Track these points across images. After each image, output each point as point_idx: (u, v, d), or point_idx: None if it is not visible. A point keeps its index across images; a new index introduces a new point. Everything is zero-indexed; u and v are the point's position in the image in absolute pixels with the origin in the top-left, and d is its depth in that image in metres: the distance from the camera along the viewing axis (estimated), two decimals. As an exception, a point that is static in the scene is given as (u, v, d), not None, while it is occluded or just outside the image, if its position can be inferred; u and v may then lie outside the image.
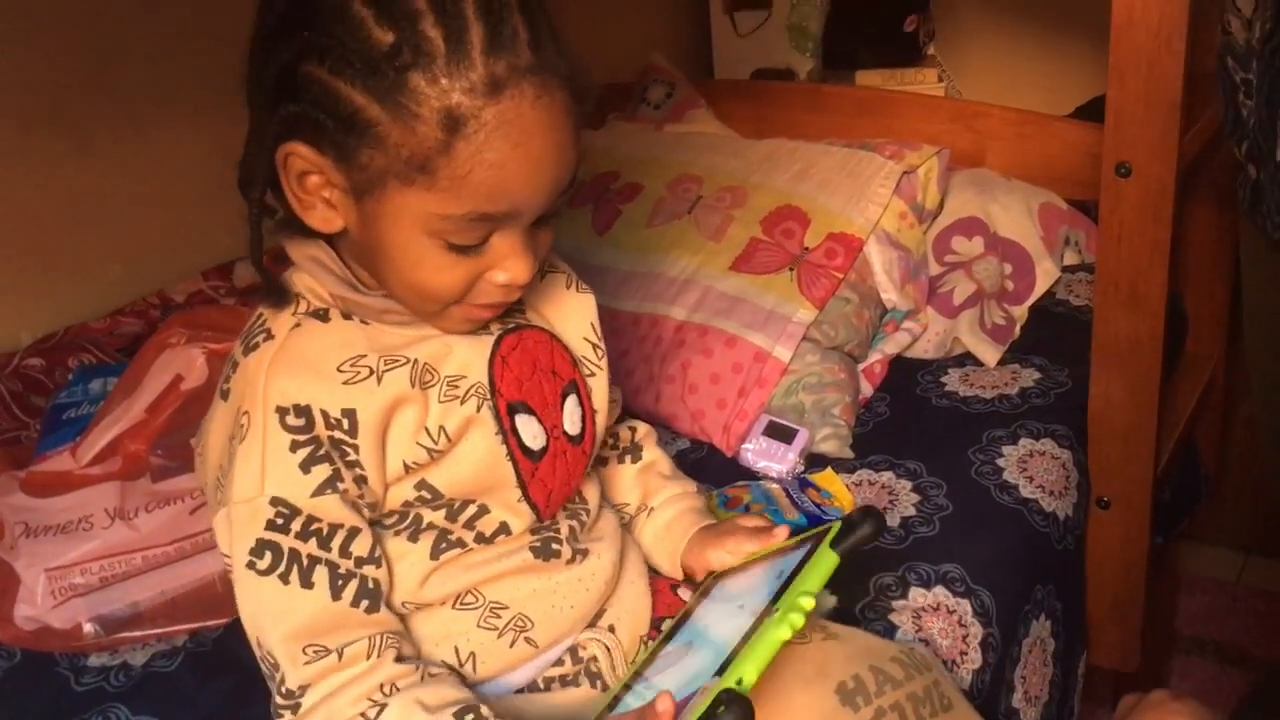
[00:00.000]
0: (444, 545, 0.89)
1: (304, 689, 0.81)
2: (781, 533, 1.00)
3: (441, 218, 0.78)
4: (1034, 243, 1.62)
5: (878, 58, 2.32)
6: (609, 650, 0.96)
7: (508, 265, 0.82)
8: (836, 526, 0.93)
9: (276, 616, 0.81)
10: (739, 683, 0.78)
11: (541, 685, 0.96)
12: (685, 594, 1.04)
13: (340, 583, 0.82)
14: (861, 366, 1.48)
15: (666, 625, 1.01)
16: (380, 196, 0.78)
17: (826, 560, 0.90)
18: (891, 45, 2.32)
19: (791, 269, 1.46)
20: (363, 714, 0.81)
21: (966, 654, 1.14)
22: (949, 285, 1.56)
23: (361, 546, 0.83)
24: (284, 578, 0.80)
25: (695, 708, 0.78)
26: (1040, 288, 1.61)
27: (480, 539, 0.91)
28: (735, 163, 1.62)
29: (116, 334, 1.67)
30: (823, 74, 2.40)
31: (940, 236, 1.61)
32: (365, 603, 0.83)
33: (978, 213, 1.62)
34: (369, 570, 0.83)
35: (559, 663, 0.96)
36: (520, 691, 0.95)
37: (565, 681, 0.96)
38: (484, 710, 0.83)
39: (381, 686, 0.81)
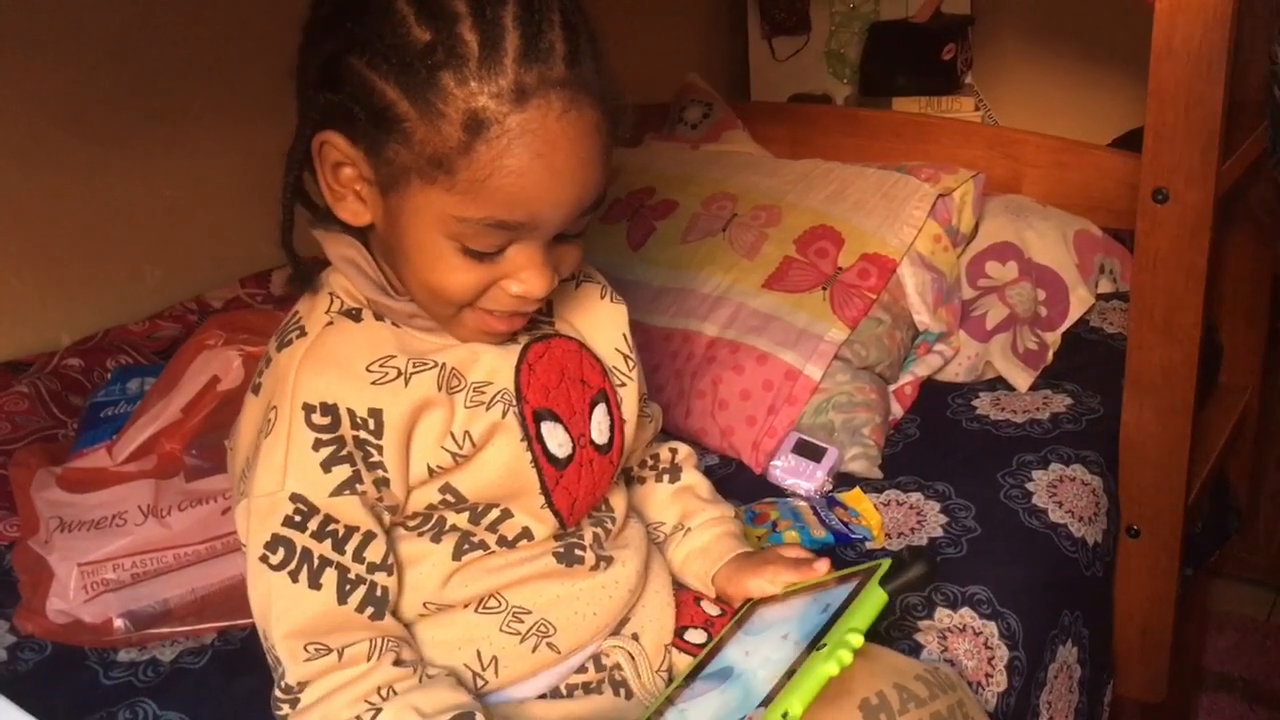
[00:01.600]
0: (466, 547, 0.90)
1: (303, 685, 0.82)
2: (823, 566, 1.00)
3: (459, 220, 0.79)
4: (1069, 269, 1.62)
5: (915, 85, 2.33)
6: (633, 658, 0.96)
7: (523, 277, 0.83)
8: (886, 564, 0.93)
9: (282, 612, 0.82)
10: (785, 715, 0.78)
11: (564, 692, 0.96)
12: (708, 606, 1.04)
13: (348, 587, 0.83)
14: (892, 388, 1.48)
15: (690, 636, 1.01)
16: (404, 193, 0.79)
17: (875, 598, 0.89)
18: (929, 73, 2.32)
19: (824, 288, 1.46)
20: (358, 717, 0.81)
21: (992, 676, 1.13)
22: (982, 309, 1.56)
23: (375, 552, 0.84)
24: (294, 575, 0.81)
25: None
26: (1074, 314, 1.60)
27: (503, 542, 0.91)
28: (770, 182, 1.63)
29: (154, 337, 1.69)
30: (859, 101, 2.41)
31: (974, 260, 1.61)
32: (371, 609, 0.84)
33: (1012, 238, 1.62)
34: (379, 577, 0.84)
35: (582, 669, 0.97)
36: (543, 697, 0.95)
37: (589, 689, 0.96)
38: (479, 717, 0.83)
39: (379, 689, 0.82)
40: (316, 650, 0.82)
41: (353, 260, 0.86)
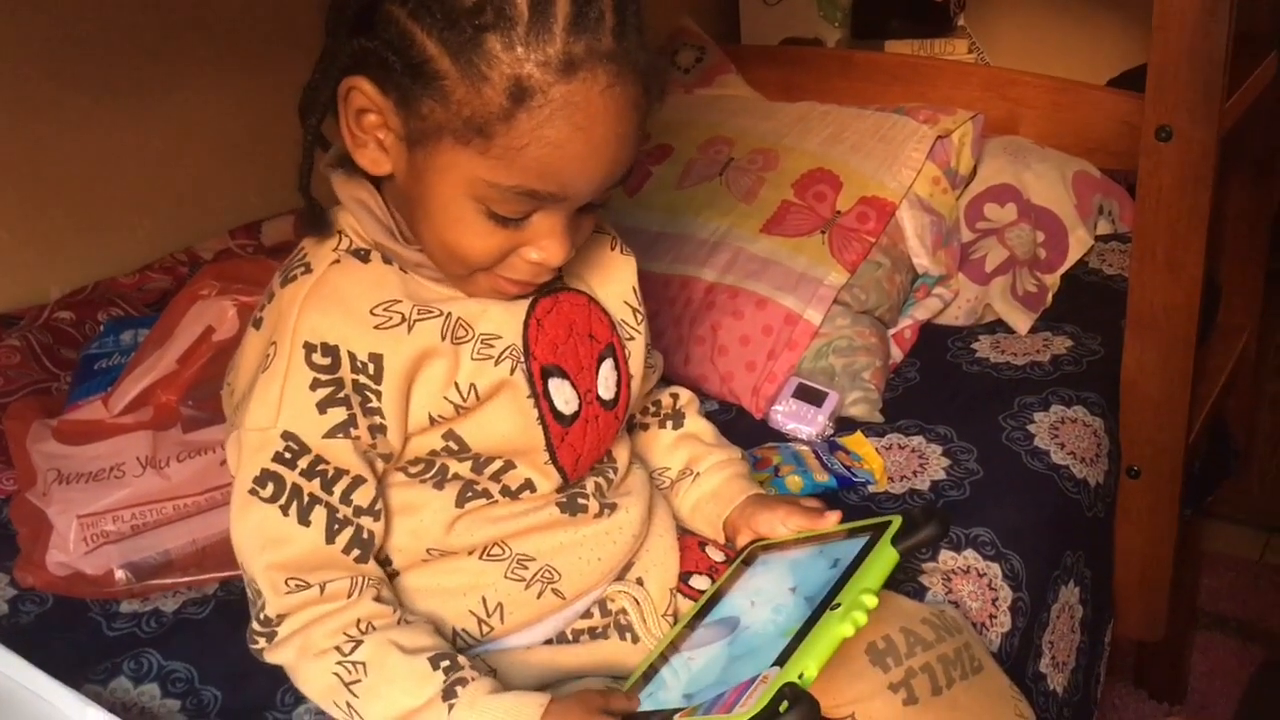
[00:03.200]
0: (469, 495, 0.89)
1: (281, 618, 0.82)
2: (833, 517, 0.99)
3: (488, 184, 0.77)
4: (1067, 211, 1.61)
5: (907, 28, 2.30)
6: (638, 603, 0.96)
7: (543, 245, 0.82)
8: (898, 522, 0.92)
9: (267, 543, 0.82)
10: (800, 677, 0.78)
11: (570, 637, 0.96)
12: (713, 551, 1.04)
13: (337, 527, 0.83)
14: (892, 332, 1.48)
15: (695, 581, 1.01)
16: (433, 150, 0.78)
17: (887, 557, 0.89)
18: (921, 16, 2.29)
19: (823, 232, 1.45)
20: (337, 647, 0.82)
21: (996, 617, 1.14)
22: (981, 252, 1.55)
23: (363, 496, 0.84)
24: (284, 509, 0.81)
25: (757, 696, 0.77)
26: (1073, 256, 1.59)
27: (506, 492, 0.91)
28: (767, 125, 1.61)
29: (145, 289, 1.67)
30: (851, 44, 2.39)
31: (973, 203, 1.60)
32: (356, 551, 0.84)
33: (1011, 180, 1.61)
34: (366, 521, 0.84)
35: (587, 615, 0.96)
36: (549, 643, 0.95)
37: (594, 634, 0.96)
38: (460, 659, 0.83)
39: (358, 623, 0.83)
40: (297, 585, 0.82)
41: (363, 202, 0.85)
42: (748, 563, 0.99)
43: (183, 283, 1.53)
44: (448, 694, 0.81)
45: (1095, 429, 1.35)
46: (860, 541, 0.92)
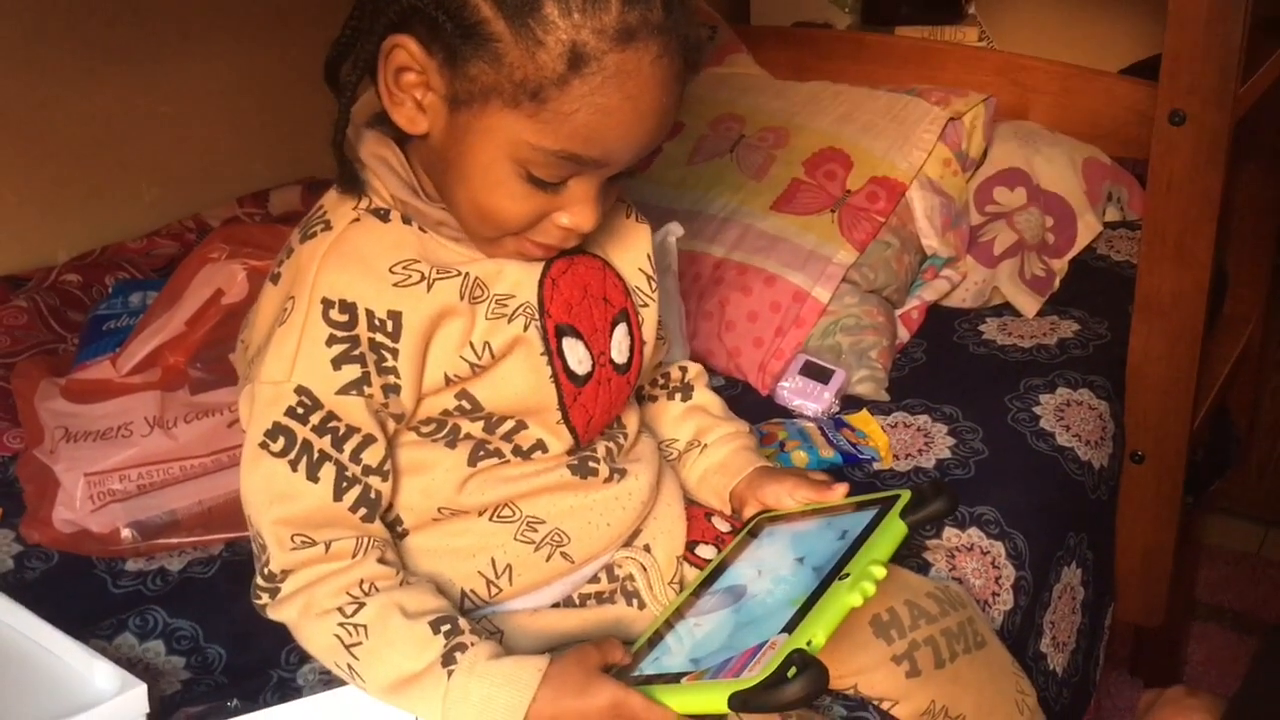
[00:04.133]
0: (481, 454, 0.90)
1: (286, 574, 0.83)
2: (841, 490, 0.99)
3: (533, 147, 0.78)
4: (1077, 196, 1.61)
5: (917, 14, 2.30)
6: (645, 569, 0.96)
7: (576, 210, 0.82)
8: (907, 496, 0.92)
9: (275, 498, 0.82)
10: (809, 644, 0.78)
11: (577, 601, 0.96)
12: (719, 522, 1.04)
13: (345, 484, 0.83)
14: (899, 312, 1.48)
15: (701, 551, 1.01)
16: (478, 112, 0.78)
17: (895, 529, 0.89)
18: (932, 2, 2.29)
19: (833, 210, 1.45)
20: (340, 609, 0.82)
21: (999, 595, 1.14)
22: (989, 235, 1.55)
23: (373, 456, 0.84)
24: (293, 464, 0.82)
25: (765, 661, 0.78)
26: (1081, 241, 1.60)
27: (518, 452, 0.91)
28: (778, 103, 1.61)
29: (152, 255, 1.67)
30: (861, 29, 2.38)
31: (982, 186, 1.60)
32: (363, 510, 0.84)
33: (1021, 164, 1.61)
34: (374, 480, 0.84)
35: (595, 580, 0.97)
36: (556, 606, 0.95)
37: (601, 599, 0.96)
38: (461, 623, 0.83)
39: (361, 583, 0.83)
40: (303, 541, 0.82)
41: (385, 159, 0.85)
42: (754, 534, 0.99)
43: (190, 249, 1.53)
44: (447, 659, 0.81)
45: (1101, 412, 1.35)
46: (869, 514, 0.93)
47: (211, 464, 1.18)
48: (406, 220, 0.85)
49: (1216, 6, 1.17)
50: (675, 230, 1.28)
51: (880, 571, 0.84)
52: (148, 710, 0.83)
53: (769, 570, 0.92)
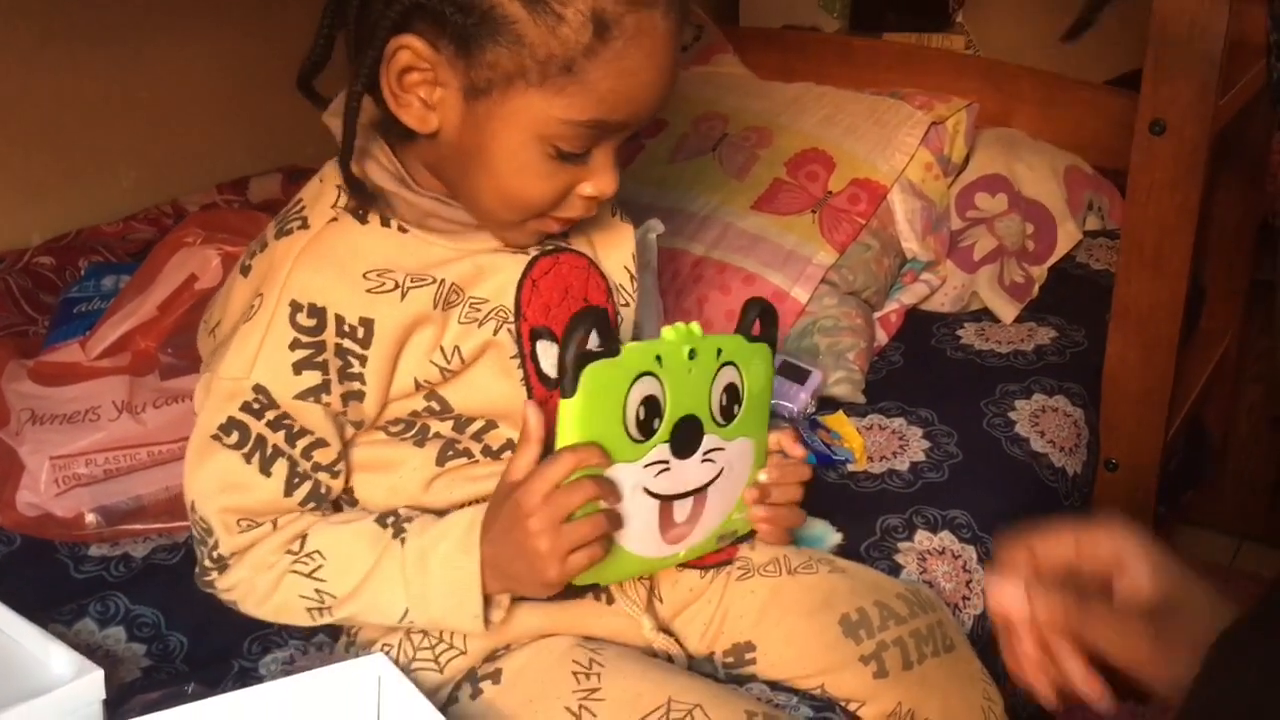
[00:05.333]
0: (450, 453, 0.89)
1: (235, 555, 0.83)
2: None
3: (562, 122, 0.77)
4: (1058, 204, 1.61)
5: (905, 22, 2.30)
6: (615, 563, 0.96)
7: (600, 178, 0.82)
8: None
9: (226, 488, 0.82)
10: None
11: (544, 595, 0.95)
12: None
13: (296, 480, 0.83)
14: (877, 315, 1.47)
15: None
16: (499, 98, 0.77)
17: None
18: (919, 9, 2.30)
19: (814, 211, 1.45)
20: (288, 551, 0.83)
21: (969, 599, 1.14)
22: (970, 240, 1.55)
23: (324, 457, 0.84)
24: (246, 458, 0.82)
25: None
26: (1061, 249, 1.60)
27: (487, 452, 0.90)
28: (762, 104, 1.61)
29: (128, 239, 1.65)
30: (849, 34, 2.38)
31: (964, 192, 1.60)
32: (312, 504, 0.84)
33: (1003, 170, 1.61)
34: (324, 477, 0.84)
35: (564, 574, 0.96)
36: (522, 600, 0.94)
37: (568, 593, 0.95)
38: (399, 510, 0.85)
39: (301, 533, 0.84)
40: (249, 525, 0.83)
41: (368, 152, 0.83)
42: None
43: (167, 234, 1.52)
44: (396, 533, 0.83)
45: (1076, 419, 1.36)
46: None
47: (180, 450, 1.16)
48: (385, 221, 0.83)
49: (1198, 19, 1.18)
50: (656, 227, 1.27)
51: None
52: (104, 696, 0.82)
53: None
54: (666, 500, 0.84)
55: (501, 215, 0.84)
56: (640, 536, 0.83)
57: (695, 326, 0.83)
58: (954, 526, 1.17)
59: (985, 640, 1.15)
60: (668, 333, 0.83)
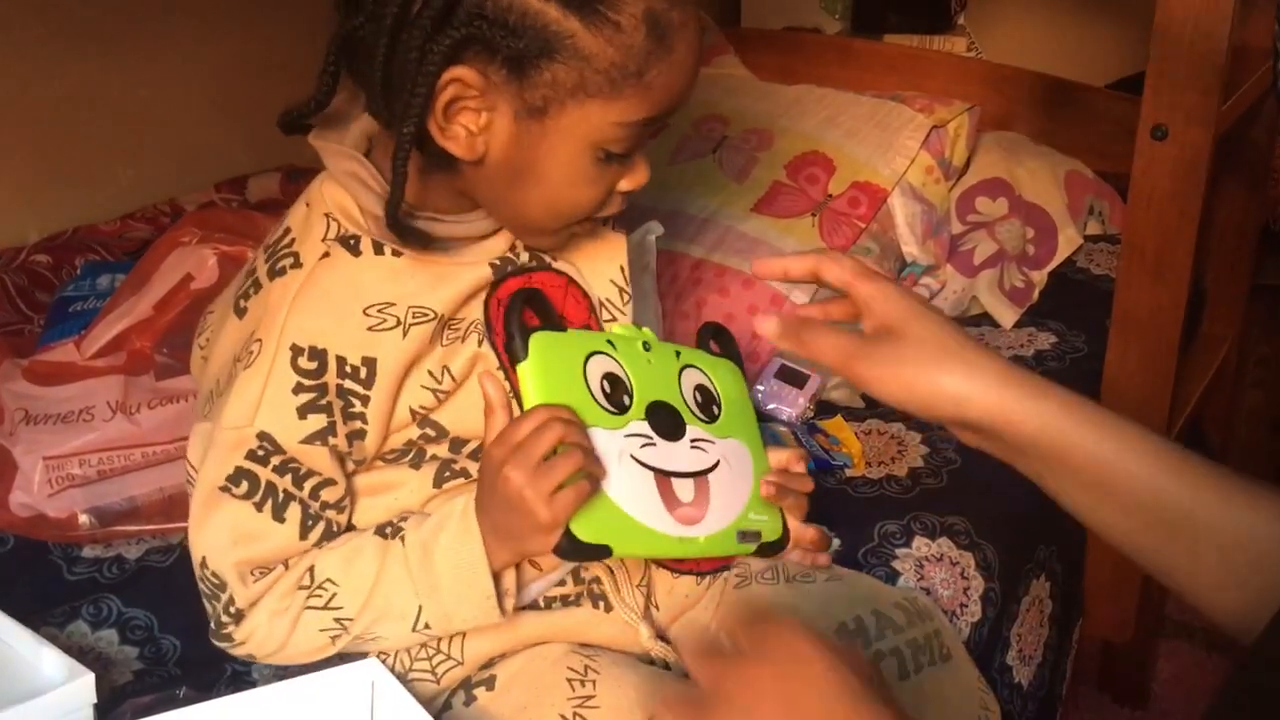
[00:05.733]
0: (447, 474, 0.88)
1: (253, 605, 0.82)
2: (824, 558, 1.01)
3: (619, 125, 0.77)
4: (1059, 209, 1.61)
5: (907, 24, 2.30)
6: (612, 572, 0.95)
7: (636, 172, 0.82)
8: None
9: (240, 539, 0.80)
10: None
11: (542, 604, 0.94)
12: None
13: (310, 523, 0.82)
14: (877, 319, 1.47)
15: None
16: (557, 113, 0.76)
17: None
18: (922, 12, 2.29)
19: (814, 215, 1.44)
20: (301, 587, 0.82)
21: (967, 606, 1.13)
22: (970, 244, 1.55)
23: (331, 495, 0.83)
24: (258, 506, 0.80)
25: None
26: (1062, 254, 1.60)
27: None
28: (762, 106, 1.60)
29: (125, 238, 1.65)
30: (851, 36, 2.38)
31: (964, 195, 1.60)
32: (325, 542, 0.83)
33: (1004, 175, 1.61)
34: (332, 514, 0.84)
35: (561, 583, 0.95)
36: (522, 609, 0.94)
37: (567, 601, 0.95)
38: (394, 520, 0.84)
39: (310, 569, 0.83)
40: (262, 573, 0.82)
41: (357, 175, 0.82)
42: None
43: (163, 234, 1.51)
44: (394, 534, 0.83)
45: (1075, 426, 1.35)
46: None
47: (174, 451, 1.16)
48: (379, 249, 0.82)
49: (1202, 23, 1.17)
50: (655, 229, 1.26)
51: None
52: (95, 700, 0.81)
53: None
54: (662, 475, 0.83)
55: (547, 225, 0.83)
56: (641, 503, 0.82)
57: (646, 330, 0.88)
58: (952, 533, 1.16)
59: (983, 646, 1.14)
60: (616, 328, 0.87)
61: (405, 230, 0.80)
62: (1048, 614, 1.29)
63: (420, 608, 0.81)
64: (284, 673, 0.87)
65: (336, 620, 0.82)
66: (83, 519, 1.11)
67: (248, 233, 1.29)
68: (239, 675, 0.96)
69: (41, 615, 1.00)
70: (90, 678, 0.81)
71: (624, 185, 0.82)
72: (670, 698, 0.64)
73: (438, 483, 0.87)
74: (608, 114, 0.76)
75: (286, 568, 0.82)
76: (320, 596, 0.81)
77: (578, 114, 0.76)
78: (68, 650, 0.84)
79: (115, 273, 1.37)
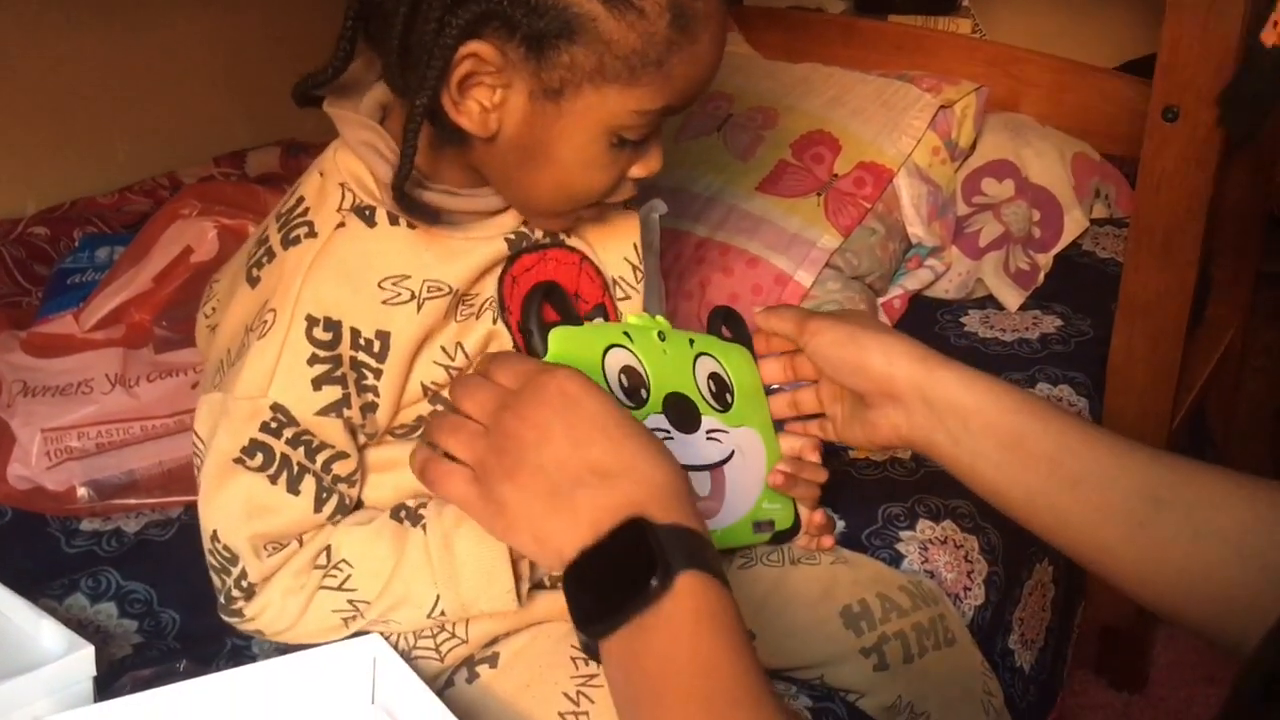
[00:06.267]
0: None
1: (266, 580, 0.81)
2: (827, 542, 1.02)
3: (635, 113, 0.75)
4: (1065, 191, 1.59)
5: (910, 4, 2.28)
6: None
7: (650, 158, 0.81)
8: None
9: (255, 512, 0.79)
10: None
11: (547, 584, 0.93)
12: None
13: (324, 495, 0.81)
14: (881, 300, 1.46)
15: None
16: (572, 96, 0.75)
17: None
18: (927, -8, 2.28)
19: (819, 194, 1.43)
20: (316, 566, 0.81)
21: (970, 589, 1.12)
22: (976, 226, 1.53)
23: (344, 468, 0.82)
24: (272, 479, 0.79)
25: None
26: (1068, 236, 1.58)
27: None
28: (768, 84, 1.59)
29: (124, 210, 1.64)
30: (855, 15, 2.36)
31: (970, 177, 1.58)
32: (338, 516, 0.82)
33: (1010, 156, 1.59)
34: (344, 488, 0.82)
35: (562, 560, 0.94)
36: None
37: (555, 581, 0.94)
38: (407, 503, 0.83)
39: (326, 548, 0.82)
40: (276, 548, 0.80)
41: (373, 145, 0.80)
42: None
43: (162, 207, 1.50)
44: (414, 522, 0.82)
45: (1081, 409, 1.34)
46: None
47: (174, 425, 1.15)
48: (394, 220, 0.81)
49: (1214, 4, 1.16)
50: (659, 207, 1.25)
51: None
52: (95, 673, 0.80)
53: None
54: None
55: (555, 207, 0.82)
56: None
57: (661, 318, 0.87)
58: (956, 516, 1.16)
59: (985, 630, 1.14)
60: (631, 318, 0.86)
61: (413, 204, 0.78)
62: (1050, 598, 1.29)
63: (438, 596, 0.81)
64: (285, 648, 0.87)
65: (350, 603, 0.81)
66: (81, 492, 1.10)
67: (248, 205, 1.28)
68: (239, 649, 0.95)
69: (40, 588, 1.00)
70: (90, 650, 0.80)
71: (636, 171, 0.81)
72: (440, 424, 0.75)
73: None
74: (625, 101, 0.75)
75: (300, 544, 0.81)
76: (335, 577, 0.80)
77: (594, 98, 0.75)
78: (66, 623, 0.83)
79: (114, 245, 1.36)
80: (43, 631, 0.83)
